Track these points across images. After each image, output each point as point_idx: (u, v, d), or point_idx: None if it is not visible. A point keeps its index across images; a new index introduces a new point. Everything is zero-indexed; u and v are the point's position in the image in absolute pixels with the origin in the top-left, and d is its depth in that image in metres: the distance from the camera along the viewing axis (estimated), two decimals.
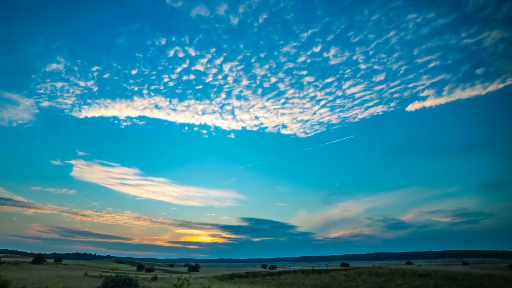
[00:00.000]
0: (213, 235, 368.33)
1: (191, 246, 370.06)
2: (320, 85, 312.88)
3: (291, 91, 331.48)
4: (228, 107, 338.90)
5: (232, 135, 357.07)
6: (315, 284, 27.79)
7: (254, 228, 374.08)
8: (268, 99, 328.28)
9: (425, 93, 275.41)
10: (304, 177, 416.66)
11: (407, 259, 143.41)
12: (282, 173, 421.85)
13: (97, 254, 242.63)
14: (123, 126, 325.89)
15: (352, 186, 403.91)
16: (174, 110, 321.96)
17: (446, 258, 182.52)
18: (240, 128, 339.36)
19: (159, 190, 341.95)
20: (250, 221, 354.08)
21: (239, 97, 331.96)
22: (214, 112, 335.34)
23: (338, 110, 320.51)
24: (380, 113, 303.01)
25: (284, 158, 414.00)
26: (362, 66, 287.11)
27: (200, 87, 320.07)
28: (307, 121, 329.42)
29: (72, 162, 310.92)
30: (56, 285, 19.41)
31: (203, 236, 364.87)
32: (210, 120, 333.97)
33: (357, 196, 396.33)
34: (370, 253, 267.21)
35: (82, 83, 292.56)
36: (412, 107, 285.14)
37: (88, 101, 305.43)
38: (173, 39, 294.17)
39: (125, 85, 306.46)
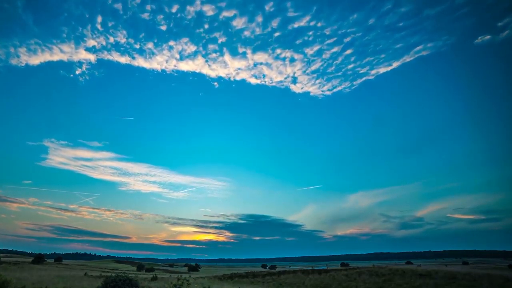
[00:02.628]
0: (211, 233, 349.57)
1: (190, 246, 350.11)
2: (348, 7, 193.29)
3: (305, 18, 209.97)
4: (214, 46, 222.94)
5: (225, 94, 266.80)
6: (315, 284, 27.80)
7: (255, 226, 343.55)
8: (272, 31, 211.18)
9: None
10: (315, 160, 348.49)
11: (407, 259, 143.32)
12: (288, 154, 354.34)
13: (96, 254, 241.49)
14: (82, 80, 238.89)
15: (365, 176, 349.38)
16: (142, 52, 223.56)
17: (446, 258, 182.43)
18: (233, 79, 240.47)
19: (148, 180, 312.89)
20: (251, 219, 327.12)
21: (227, 27, 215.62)
22: (195, 54, 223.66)
23: (370, 50, 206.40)
24: (429, 53, 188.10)
25: (294, 129, 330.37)
26: None
27: (174, 9, 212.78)
28: (325, 70, 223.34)
29: (45, 143, 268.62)
30: (56, 285, 19.41)
31: (201, 235, 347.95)
32: (192, 67, 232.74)
33: (370, 188, 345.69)
34: (370, 253, 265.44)
35: (5, 5, 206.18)
36: (481, 39, 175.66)
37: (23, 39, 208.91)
38: None
39: (67, 7, 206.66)
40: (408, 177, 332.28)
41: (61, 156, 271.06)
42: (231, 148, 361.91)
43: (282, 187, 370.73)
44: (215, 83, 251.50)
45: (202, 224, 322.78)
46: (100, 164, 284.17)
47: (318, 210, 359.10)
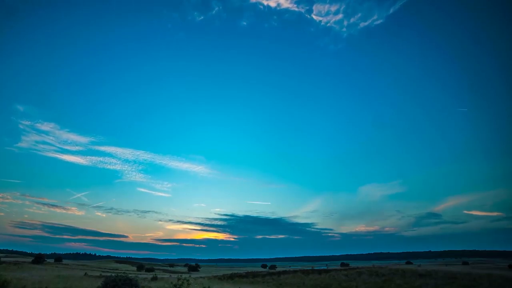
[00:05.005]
0: (211, 231, 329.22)
1: (189, 245, 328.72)
2: None
3: None
4: None
5: (210, 30, 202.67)
6: (315, 284, 27.80)
7: (257, 224, 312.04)
8: None
9: None
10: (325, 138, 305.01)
11: (407, 259, 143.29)
12: (292, 145, 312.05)
13: (96, 254, 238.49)
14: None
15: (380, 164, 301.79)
16: None
17: (446, 258, 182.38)
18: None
19: (137, 169, 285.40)
20: (252, 216, 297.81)
21: None
22: None
23: None
24: None
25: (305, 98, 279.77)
26: None
27: None
28: None
29: (13, 119, 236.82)
30: (56, 285, 19.43)
31: (200, 233, 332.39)
32: None
33: (383, 180, 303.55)
34: (370, 253, 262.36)
35: None
36: None
37: None
38: None
39: None
40: (426, 167, 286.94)
41: (32, 139, 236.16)
42: (223, 132, 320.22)
43: (285, 181, 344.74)
44: (196, 14, 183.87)
45: (201, 222, 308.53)
46: (78, 149, 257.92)
47: (325, 205, 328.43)
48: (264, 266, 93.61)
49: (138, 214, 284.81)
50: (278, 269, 62.26)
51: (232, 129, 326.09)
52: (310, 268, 48.07)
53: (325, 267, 54.60)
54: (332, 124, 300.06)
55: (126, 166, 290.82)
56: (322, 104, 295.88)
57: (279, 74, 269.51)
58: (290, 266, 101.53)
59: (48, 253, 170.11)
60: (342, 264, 74.04)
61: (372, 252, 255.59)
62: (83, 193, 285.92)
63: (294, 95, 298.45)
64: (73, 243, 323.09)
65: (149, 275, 38.32)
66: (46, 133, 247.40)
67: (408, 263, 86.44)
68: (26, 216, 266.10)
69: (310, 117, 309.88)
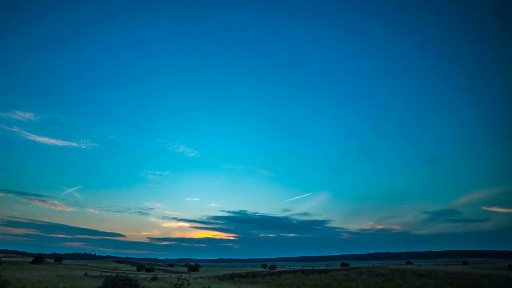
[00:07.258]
0: (207, 229, 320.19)
1: (188, 244, 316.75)
2: None
3: None
4: None
5: None
6: (315, 284, 27.80)
7: (257, 222, 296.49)
8: None
9: None
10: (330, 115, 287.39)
11: (407, 259, 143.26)
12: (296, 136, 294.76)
13: (96, 254, 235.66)
14: None
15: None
16: None
17: (446, 258, 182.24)
18: None
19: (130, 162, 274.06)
20: (252, 214, 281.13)
21: None
22: None
23: None
24: None
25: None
26: None
27: None
28: None
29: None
30: (56, 285, 19.42)
31: (200, 232, 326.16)
32: None
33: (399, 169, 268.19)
34: (370, 253, 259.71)
35: None
36: None
37: None
38: None
39: None
40: (444, 160, 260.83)
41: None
42: (219, 122, 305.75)
43: (286, 177, 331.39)
44: None
45: (199, 220, 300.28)
46: (52, 129, 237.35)
47: (331, 203, 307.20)
48: (264, 266, 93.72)
49: (137, 212, 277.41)
50: (278, 269, 62.33)
51: (231, 120, 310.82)
52: (310, 268, 48.10)
53: (325, 267, 54.63)
54: (337, 116, 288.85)
55: (113, 152, 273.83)
56: (332, 100, 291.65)
57: (283, 64, 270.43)
58: (290, 266, 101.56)
59: (47, 253, 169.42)
60: (342, 264, 74.11)
61: (372, 252, 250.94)
62: (73, 189, 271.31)
63: (299, 91, 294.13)
64: (69, 242, 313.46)
65: (149, 275, 38.31)
66: (12, 106, 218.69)
67: (408, 263, 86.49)
68: (15, 213, 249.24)
69: (316, 110, 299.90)
